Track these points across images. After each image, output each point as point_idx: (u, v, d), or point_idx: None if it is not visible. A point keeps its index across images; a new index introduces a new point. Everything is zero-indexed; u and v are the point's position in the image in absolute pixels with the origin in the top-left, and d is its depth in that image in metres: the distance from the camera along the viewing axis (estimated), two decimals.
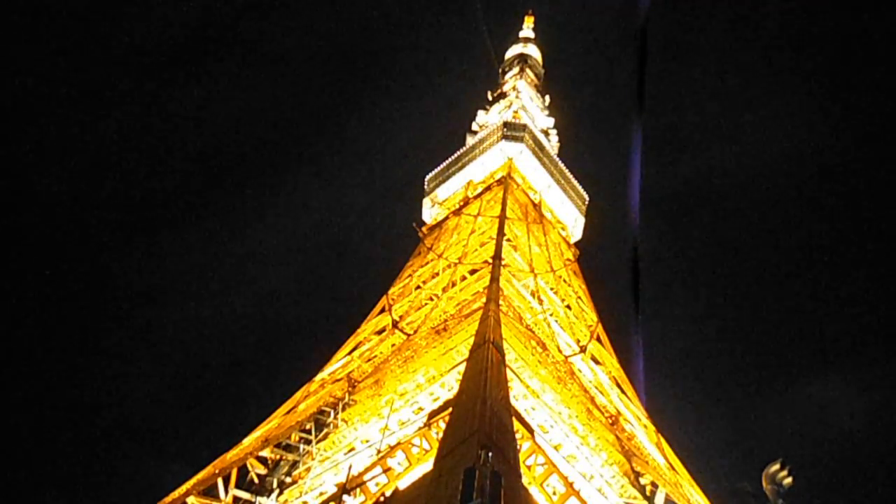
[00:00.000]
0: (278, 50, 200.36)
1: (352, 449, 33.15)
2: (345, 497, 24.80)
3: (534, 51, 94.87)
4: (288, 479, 32.05)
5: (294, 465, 32.71)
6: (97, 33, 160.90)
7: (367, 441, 33.05)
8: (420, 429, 27.15)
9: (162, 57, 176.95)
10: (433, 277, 51.57)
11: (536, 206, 64.29)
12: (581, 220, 70.92)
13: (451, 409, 24.04)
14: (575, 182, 71.16)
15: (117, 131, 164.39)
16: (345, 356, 46.36)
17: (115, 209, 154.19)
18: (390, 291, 52.85)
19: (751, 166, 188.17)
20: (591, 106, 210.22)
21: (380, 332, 47.64)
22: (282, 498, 31.31)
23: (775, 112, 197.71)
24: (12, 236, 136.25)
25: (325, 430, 33.80)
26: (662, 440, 42.10)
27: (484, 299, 37.92)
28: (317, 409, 35.00)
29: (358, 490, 25.21)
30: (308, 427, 33.53)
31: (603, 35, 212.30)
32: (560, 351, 42.66)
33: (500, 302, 37.89)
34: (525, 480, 22.15)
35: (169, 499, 31.32)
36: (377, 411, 33.88)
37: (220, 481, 30.70)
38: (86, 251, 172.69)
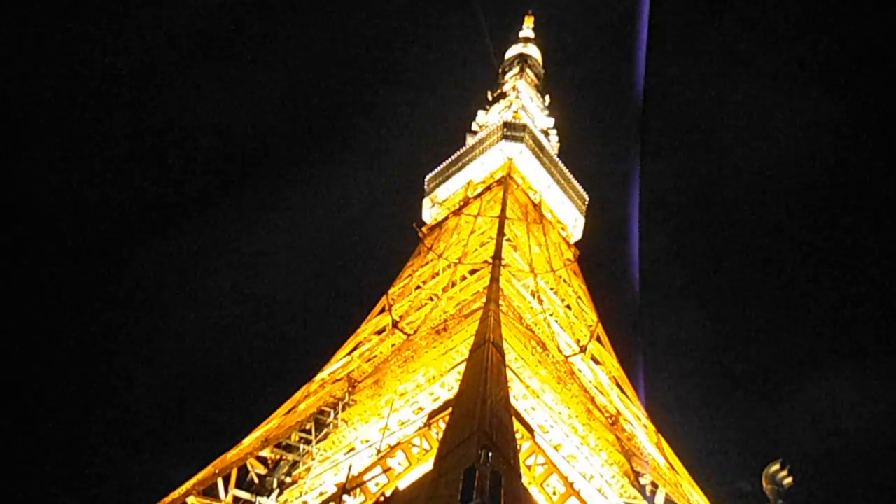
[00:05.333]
0: (277, 52, 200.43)
1: (352, 449, 33.17)
2: (345, 497, 24.84)
3: (534, 51, 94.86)
4: (288, 479, 32.07)
5: (294, 465, 32.72)
6: (104, 33, 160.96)
7: (367, 441, 33.07)
8: (420, 429, 27.18)
9: (164, 58, 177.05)
10: (433, 277, 51.58)
11: (536, 206, 64.29)
12: (581, 220, 70.91)
13: (451, 409, 24.07)
14: (575, 182, 71.18)
15: (121, 132, 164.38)
16: (345, 356, 46.37)
17: (117, 209, 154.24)
18: (390, 291, 52.85)
19: (755, 165, 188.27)
20: (591, 106, 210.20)
21: (380, 332, 47.64)
22: (282, 498, 31.33)
23: (781, 112, 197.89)
24: (16, 236, 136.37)
25: (325, 430, 33.81)
26: (662, 440, 42.11)
27: (484, 299, 37.92)
28: (317, 409, 35.01)
29: (358, 490, 25.24)
30: (308, 427, 33.53)
31: (603, 35, 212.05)
32: (560, 351, 42.66)
33: (500, 302, 37.89)
34: (525, 480, 22.17)
35: (169, 499, 31.36)
36: (377, 411, 33.90)
37: (220, 481, 30.73)
38: (88, 251, 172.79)
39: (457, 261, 50.47)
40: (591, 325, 50.99)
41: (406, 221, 66.95)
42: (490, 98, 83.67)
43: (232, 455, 35.40)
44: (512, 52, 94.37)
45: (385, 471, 25.29)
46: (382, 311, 49.88)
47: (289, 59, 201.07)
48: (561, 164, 71.14)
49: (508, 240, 52.53)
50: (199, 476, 33.19)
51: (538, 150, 69.27)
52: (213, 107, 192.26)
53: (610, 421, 38.11)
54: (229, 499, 30.48)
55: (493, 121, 74.06)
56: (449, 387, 32.94)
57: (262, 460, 32.62)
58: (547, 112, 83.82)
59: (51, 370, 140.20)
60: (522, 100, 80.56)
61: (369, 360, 43.55)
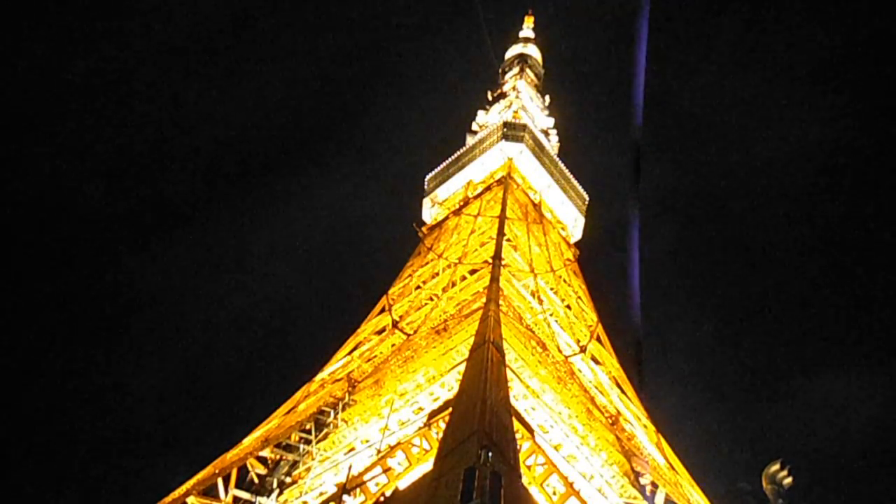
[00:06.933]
0: (278, 52, 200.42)
1: (352, 449, 33.16)
2: (345, 497, 24.83)
3: (534, 51, 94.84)
4: (288, 479, 32.05)
5: (294, 465, 32.71)
6: (108, 32, 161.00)
7: (367, 441, 33.07)
8: (420, 429, 27.19)
9: (168, 57, 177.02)
10: (433, 277, 51.56)
11: (536, 206, 64.28)
12: (581, 220, 70.90)
13: (451, 409, 24.07)
14: (575, 182, 71.17)
15: (126, 131, 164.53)
16: (345, 356, 46.36)
17: (119, 209, 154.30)
18: (390, 291, 52.83)
19: (756, 164, 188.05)
20: (591, 106, 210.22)
21: (380, 332, 47.62)
22: (282, 498, 31.31)
23: (782, 111, 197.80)
24: (18, 235, 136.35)
25: (325, 430, 33.80)
26: (662, 440, 42.09)
27: (484, 299, 37.91)
28: (317, 409, 35.00)
29: (358, 490, 25.24)
30: (308, 427, 33.52)
31: (603, 35, 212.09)
32: (560, 351, 42.65)
33: (500, 302, 37.88)
34: (525, 480, 22.16)
35: (169, 499, 31.35)
36: (377, 411, 33.89)
37: (220, 481, 30.71)
38: (91, 251, 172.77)
39: (457, 261, 50.46)
40: (591, 325, 50.97)
41: (406, 221, 67.06)
42: (490, 98, 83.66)
43: (232, 455, 35.38)
44: (512, 52, 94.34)
45: (385, 471, 25.29)
46: (382, 311, 49.86)
47: (289, 59, 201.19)
48: (561, 164, 71.12)
49: (508, 240, 52.51)
50: (199, 476, 33.17)
51: (538, 150, 69.25)
52: (214, 107, 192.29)
53: (610, 421, 38.09)
54: (229, 499, 30.46)
55: (493, 121, 74.03)
56: (449, 387, 32.93)
57: (262, 460, 32.60)
58: (547, 112, 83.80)
59: (51, 370, 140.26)
60: (522, 100, 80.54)
61: (369, 360, 43.54)
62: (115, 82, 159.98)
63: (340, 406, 34.67)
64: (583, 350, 45.71)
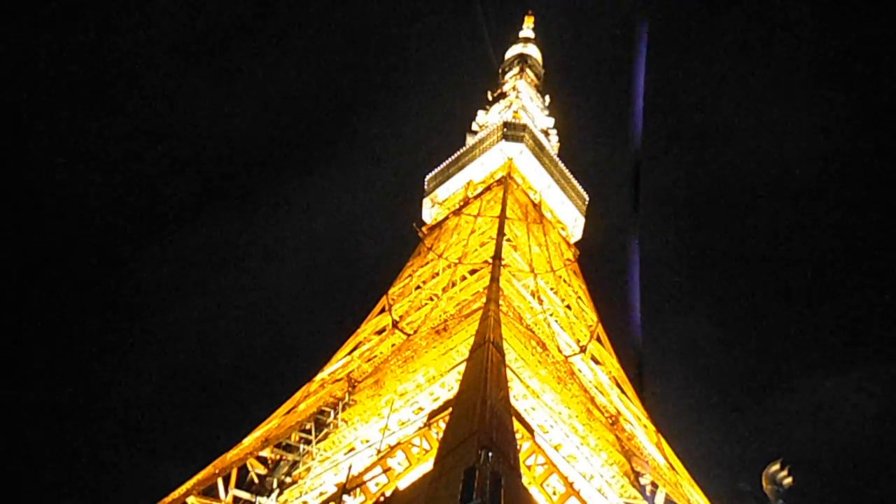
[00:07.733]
0: (279, 54, 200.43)
1: (352, 449, 33.16)
2: (345, 497, 24.81)
3: (534, 51, 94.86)
4: (288, 479, 32.05)
5: (294, 465, 32.71)
6: (111, 32, 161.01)
7: (367, 441, 33.06)
8: (420, 429, 27.16)
9: (169, 57, 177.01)
10: (433, 277, 51.57)
11: (536, 206, 64.28)
12: (581, 220, 70.91)
13: (451, 409, 24.05)
14: (575, 182, 71.18)
15: (125, 131, 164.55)
16: (345, 356, 46.36)
17: (118, 209, 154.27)
18: (390, 291, 52.84)
19: (756, 165, 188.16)
20: (591, 106, 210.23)
21: (380, 332, 47.63)
22: (282, 498, 31.31)
23: (782, 111, 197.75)
24: (16, 233, 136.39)
25: (325, 430, 33.81)
26: (662, 440, 42.09)
27: (484, 299, 37.91)
28: (317, 409, 35.00)
29: (358, 490, 25.22)
30: (308, 427, 33.53)
31: (603, 35, 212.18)
32: (560, 351, 42.65)
33: (500, 302, 37.88)
34: (525, 480, 22.16)
35: (169, 499, 31.35)
36: (377, 411, 33.89)
37: (220, 481, 30.72)
38: (89, 250, 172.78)
39: (457, 261, 50.46)
40: (591, 325, 50.97)
41: (406, 221, 67.08)
42: (490, 98, 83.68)
43: (232, 455, 35.39)
44: (512, 52, 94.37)
45: (385, 471, 25.27)
46: (382, 311, 49.87)
47: (290, 60, 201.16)
48: (561, 164, 71.13)
49: (508, 240, 52.51)
50: (199, 476, 33.18)
51: (538, 149, 69.25)
52: (214, 107, 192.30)
53: (610, 421, 38.10)
54: (229, 499, 30.46)
55: (493, 121, 74.02)
56: (449, 387, 32.92)
57: (262, 460, 32.61)
58: (547, 112, 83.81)
59: (52, 370, 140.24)
60: (522, 100, 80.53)
61: (369, 360, 43.54)
62: (114, 82, 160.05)
63: (340, 406, 34.67)
64: (583, 350, 45.71)
